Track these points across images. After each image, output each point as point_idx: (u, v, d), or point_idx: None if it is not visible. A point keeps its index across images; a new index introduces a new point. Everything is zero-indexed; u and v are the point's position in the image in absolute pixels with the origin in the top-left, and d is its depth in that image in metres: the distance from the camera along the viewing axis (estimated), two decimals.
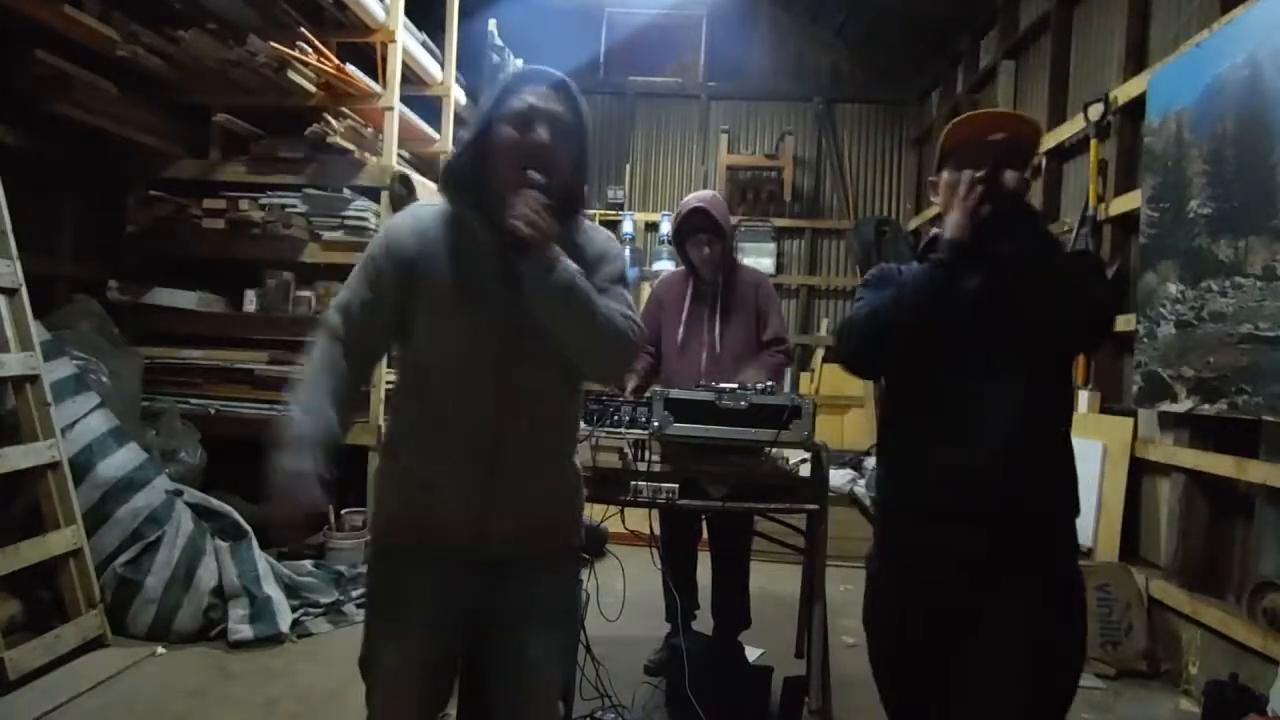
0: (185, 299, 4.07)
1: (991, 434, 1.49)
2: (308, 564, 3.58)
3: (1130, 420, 3.62)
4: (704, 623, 3.14)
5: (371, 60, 4.21)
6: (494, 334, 1.41)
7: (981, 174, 1.49)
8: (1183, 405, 3.16)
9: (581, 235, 1.51)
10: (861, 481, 5.32)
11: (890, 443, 1.68)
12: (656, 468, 2.33)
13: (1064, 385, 1.62)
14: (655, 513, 2.96)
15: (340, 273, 4.00)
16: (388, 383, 3.63)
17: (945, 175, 1.61)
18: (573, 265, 1.38)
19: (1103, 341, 1.63)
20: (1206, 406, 3.03)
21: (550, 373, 1.45)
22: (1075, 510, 1.59)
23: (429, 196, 4.31)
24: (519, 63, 5.56)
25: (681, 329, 3.01)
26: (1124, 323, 3.72)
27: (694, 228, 2.95)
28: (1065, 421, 1.61)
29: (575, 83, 1.45)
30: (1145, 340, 3.42)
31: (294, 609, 3.22)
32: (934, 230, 1.65)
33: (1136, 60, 3.85)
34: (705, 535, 3.15)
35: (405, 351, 1.51)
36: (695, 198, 2.98)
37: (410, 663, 1.45)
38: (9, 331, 2.83)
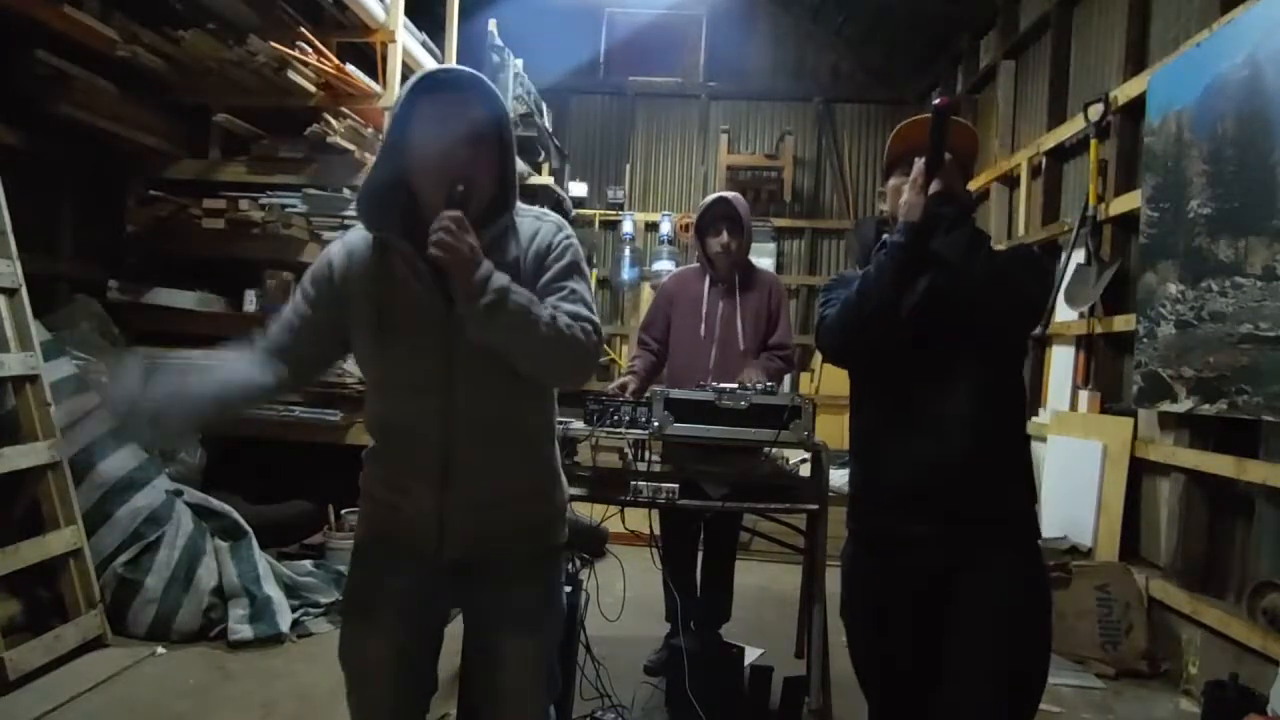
0: (185, 299, 4.06)
1: (948, 426, 1.55)
2: (308, 564, 3.58)
3: (1130, 420, 3.62)
4: None
5: (371, 60, 4.21)
6: (431, 354, 1.38)
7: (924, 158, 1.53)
8: (1183, 405, 3.16)
9: (522, 231, 1.44)
10: None
11: (858, 438, 1.74)
12: (657, 468, 2.33)
13: (1015, 377, 1.68)
14: (654, 514, 2.97)
15: None
16: None
17: (892, 181, 1.67)
18: (502, 279, 1.28)
19: (1034, 329, 1.75)
20: (1206, 406, 3.03)
21: (499, 384, 1.38)
22: (1034, 497, 1.66)
23: None
24: (519, 63, 5.56)
25: (703, 325, 3.03)
26: (1124, 323, 3.72)
27: (716, 216, 3.03)
28: (1018, 412, 1.68)
29: (485, 76, 1.39)
30: (1145, 340, 3.42)
31: (294, 609, 3.22)
32: (885, 236, 1.70)
33: (1136, 60, 3.85)
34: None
35: (360, 367, 1.52)
36: (721, 192, 3.12)
37: (378, 660, 1.47)
38: (9, 331, 2.83)
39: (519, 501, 1.49)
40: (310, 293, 1.46)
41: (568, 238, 1.46)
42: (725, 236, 3.00)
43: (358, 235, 1.47)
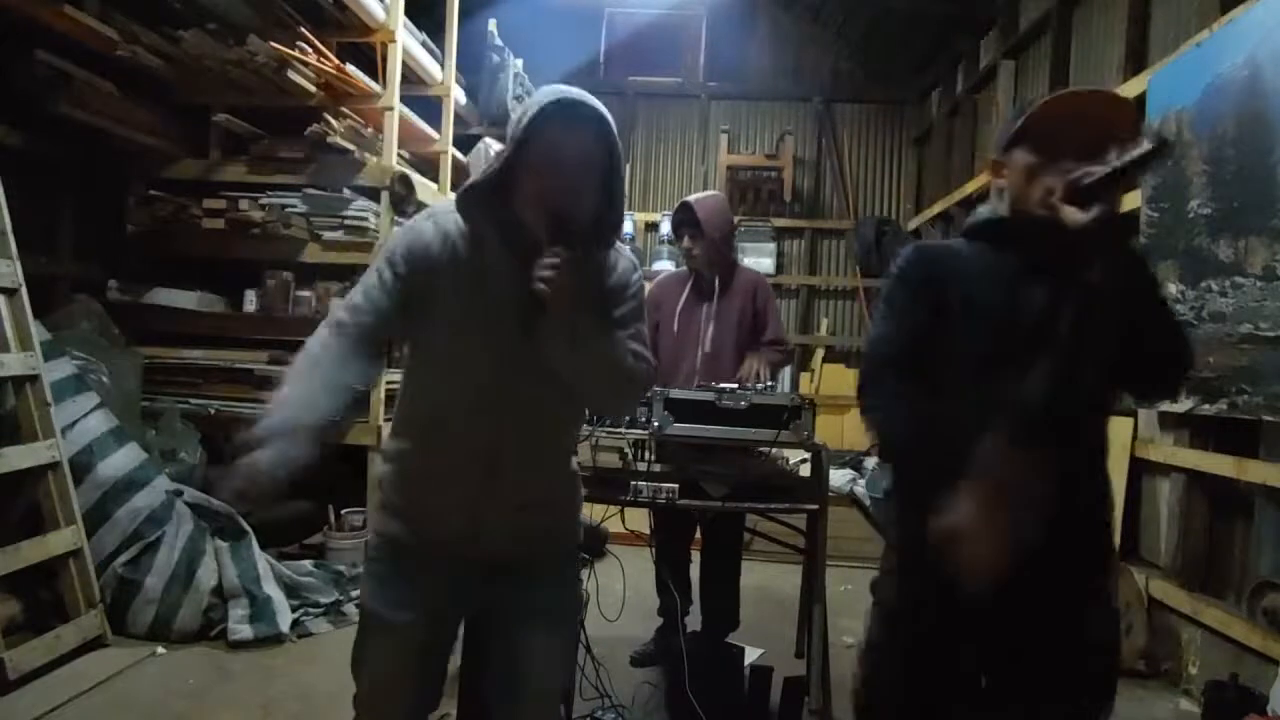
0: (185, 299, 4.07)
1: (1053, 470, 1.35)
2: (308, 564, 3.58)
3: (1130, 420, 3.62)
4: (693, 619, 3.14)
5: (371, 60, 4.21)
6: (501, 351, 1.41)
7: (1117, 165, 1.22)
8: (1183, 405, 3.16)
9: (607, 261, 1.49)
10: (861, 481, 5.32)
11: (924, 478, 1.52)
12: (657, 468, 2.33)
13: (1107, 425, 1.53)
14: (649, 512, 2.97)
15: (340, 273, 4.01)
16: (389, 383, 3.62)
17: (1018, 154, 1.45)
18: (591, 323, 1.38)
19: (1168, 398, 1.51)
20: (1206, 406, 3.03)
21: (554, 388, 1.43)
22: (1113, 546, 1.57)
23: (428, 196, 4.31)
24: (519, 63, 5.55)
25: (676, 324, 3.06)
26: None
27: (679, 222, 3.10)
28: (1105, 458, 1.53)
29: (596, 100, 1.37)
30: None
31: (294, 609, 3.22)
32: (980, 210, 1.53)
33: (1136, 60, 3.85)
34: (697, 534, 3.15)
35: (414, 354, 1.51)
36: (692, 195, 3.14)
37: (399, 655, 1.47)
38: (9, 331, 2.83)
39: (551, 504, 1.53)
40: (402, 269, 1.43)
41: (641, 280, 1.55)
42: (688, 241, 3.06)
43: (449, 220, 1.45)
